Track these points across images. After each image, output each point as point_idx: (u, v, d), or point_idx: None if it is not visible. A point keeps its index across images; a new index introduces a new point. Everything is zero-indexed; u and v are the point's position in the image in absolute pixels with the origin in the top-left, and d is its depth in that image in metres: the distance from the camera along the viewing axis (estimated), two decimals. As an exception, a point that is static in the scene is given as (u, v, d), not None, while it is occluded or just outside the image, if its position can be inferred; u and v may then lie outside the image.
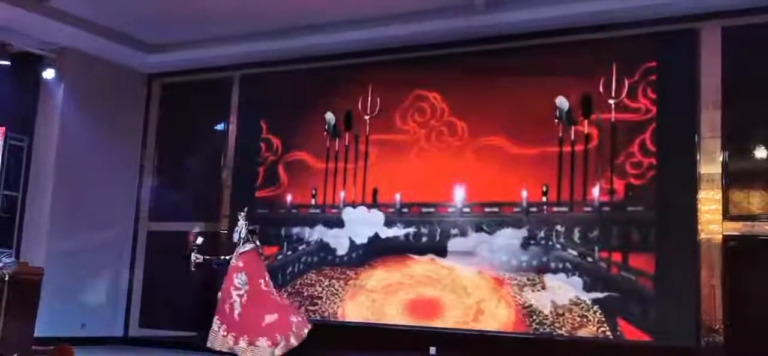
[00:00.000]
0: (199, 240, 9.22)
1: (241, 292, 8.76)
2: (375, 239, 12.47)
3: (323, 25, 12.52)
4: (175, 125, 14.93)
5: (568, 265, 11.01)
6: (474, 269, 11.68)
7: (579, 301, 10.83)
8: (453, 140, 12.11)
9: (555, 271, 11.09)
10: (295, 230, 13.21)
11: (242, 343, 8.62)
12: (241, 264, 8.86)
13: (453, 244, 11.89)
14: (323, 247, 12.89)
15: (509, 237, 11.48)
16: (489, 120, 11.85)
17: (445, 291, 11.85)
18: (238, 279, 8.79)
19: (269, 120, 13.76)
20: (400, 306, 12.13)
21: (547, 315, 11.03)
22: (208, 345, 8.87)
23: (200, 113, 14.71)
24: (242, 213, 9.42)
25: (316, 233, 12.97)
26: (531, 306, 11.16)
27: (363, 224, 12.56)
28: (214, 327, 8.77)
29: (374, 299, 12.35)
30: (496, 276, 11.49)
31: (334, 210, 12.95)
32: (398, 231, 12.32)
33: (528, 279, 11.26)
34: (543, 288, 11.13)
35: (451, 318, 11.75)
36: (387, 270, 12.34)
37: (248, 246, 9.04)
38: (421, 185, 12.22)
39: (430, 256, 12.03)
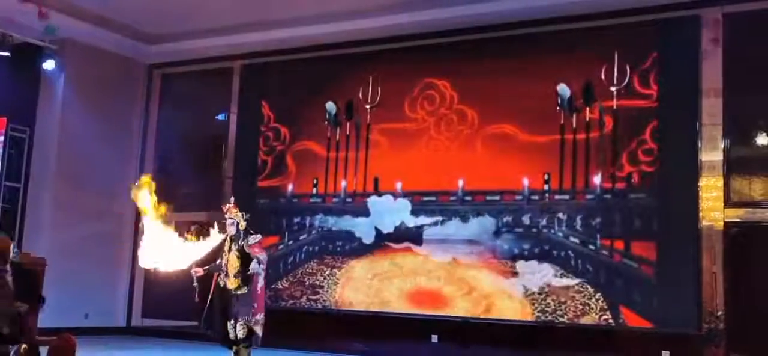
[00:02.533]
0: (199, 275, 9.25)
1: (265, 266, 9.03)
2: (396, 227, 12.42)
3: (326, 15, 12.53)
4: (176, 115, 14.93)
5: (569, 253, 11.03)
6: (473, 257, 11.70)
7: (581, 289, 10.86)
8: (463, 128, 12.09)
9: (556, 258, 11.12)
10: (316, 218, 13.13)
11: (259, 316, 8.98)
12: (256, 250, 8.99)
13: (452, 232, 11.92)
14: (345, 235, 12.81)
15: (511, 225, 11.51)
16: (498, 108, 11.83)
17: (445, 280, 11.88)
18: (262, 256, 8.99)
19: (276, 110, 13.75)
20: (402, 295, 12.15)
21: (548, 303, 11.05)
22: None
23: (201, 103, 14.71)
24: (229, 204, 9.29)
25: (341, 222, 12.87)
26: (533, 293, 11.18)
27: (389, 212, 12.45)
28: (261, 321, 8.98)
29: (375, 287, 12.36)
30: (498, 263, 11.52)
31: (334, 199, 12.96)
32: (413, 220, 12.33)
33: (528, 266, 11.28)
34: (544, 275, 11.15)
35: (453, 307, 11.77)
36: (387, 260, 12.37)
37: (253, 239, 9.09)
38: (426, 174, 12.22)
39: (432, 245, 12.06)
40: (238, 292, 8.89)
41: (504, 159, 11.68)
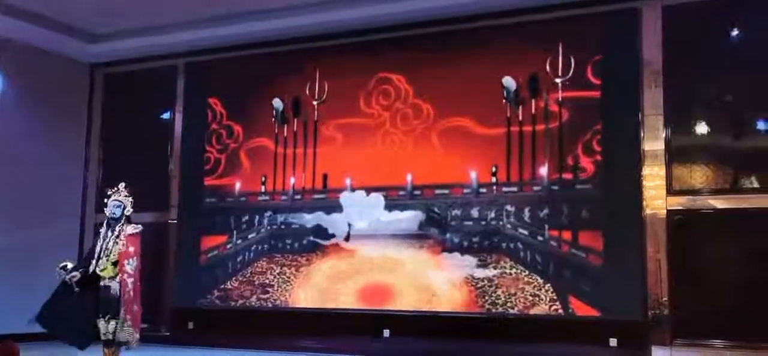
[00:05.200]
0: (69, 266, 8.82)
1: (134, 279, 8.52)
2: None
3: (271, 10, 12.43)
4: (120, 115, 14.68)
5: (518, 244, 11.15)
6: (423, 251, 11.77)
7: (530, 280, 11.00)
8: (418, 123, 12.07)
9: (505, 250, 11.23)
10: (266, 215, 13.02)
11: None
12: (131, 250, 8.54)
13: (402, 227, 11.96)
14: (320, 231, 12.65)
15: (460, 218, 11.58)
16: (452, 102, 11.83)
17: (395, 275, 11.91)
18: (130, 265, 8.52)
19: (228, 107, 13.56)
20: (352, 291, 12.16)
21: (499, 295, 11.16)
22: (125, 340, 8.59)
23: (145, 103, 14.49)
24: (121, 187, 8.97)
25: (291, 218, 12.80)
26: (483, 285, 11.28)
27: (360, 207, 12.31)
28: (127, 324, 8.50)
29: (325, 285, 12.35)
30: (447, 256, 11.59)
31: (283, 197, 12.89)
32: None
33: (480, 259, 11.38)
34: (495, 266, 11.26)
35: (404, 301, 11.81)
36: (338, 258, 12.38)
37: (133, 229, 8.69)
38: (378, 169, 12.20)
39: (381, 240, 12.10)
40: (113, 284, 8.50)
41: (458, 152, 11.71)
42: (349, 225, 12.33)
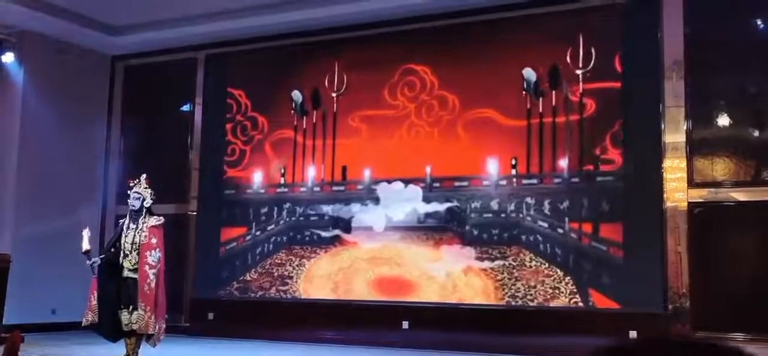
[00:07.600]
0: (85, 243, 8.73)
1: (156, 270, 8.40)
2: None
3: (291, 2, 12.43)
4: (141, 107, 14.77)
5: (539, 237, 11.12)
6: (443, 242, 11.76)
7: (550, 272, 10.97)
8: (444, 114, 12.02)
9: (525, 243, 11.21)
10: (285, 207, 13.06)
11: (152, 320, 8.41)
12: (154, 241, 8.43)
13: (419, 220, 11.95)
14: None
15: (479, 211, 11.56)
16: (478, 93, 11.78)
17: (414, 267, 11.92)
18: (152, 257, 8.39)
19: (253, 99, 13.58)
20: (372, 282, 12.18)
21: (519, 287, 11.14)
22: (140, 330, 8.38)
23: (166, 95, 14.57)
24: (142, 179, 8.82)
25: (310, 210, 12.85)
26: (503, 277, 11.26)
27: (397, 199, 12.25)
28: (141, 311, 8.30)
29: (347, 276, 12.37)
30: (467, 249, 11.58)
31: (302, 189, 12.93)
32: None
33: (500, 252, 11.36)
34: (514, 259, 11.24)
35: (423, 293, 11.82)
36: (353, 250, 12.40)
37: (155, 221, 8.59)
38: (400, 161, 12.19)
39: (398, 232, 12.10)
40: (135, 276, 8.36)
41: (485, 144, 11.66)
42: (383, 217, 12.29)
